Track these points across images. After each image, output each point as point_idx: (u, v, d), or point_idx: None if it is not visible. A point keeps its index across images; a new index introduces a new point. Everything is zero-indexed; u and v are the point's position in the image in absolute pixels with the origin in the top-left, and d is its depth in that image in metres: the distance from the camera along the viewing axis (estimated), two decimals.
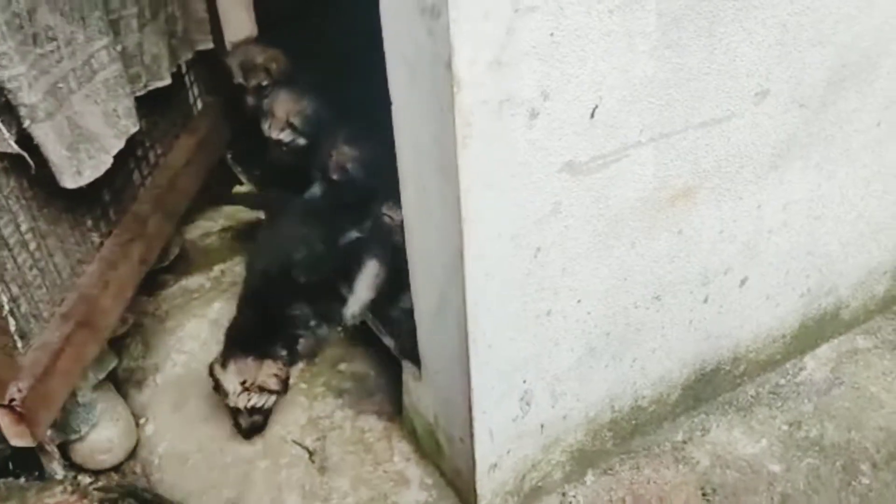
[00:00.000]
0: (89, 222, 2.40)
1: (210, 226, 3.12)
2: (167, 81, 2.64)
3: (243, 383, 2.34)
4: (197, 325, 2.86)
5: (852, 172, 2.22)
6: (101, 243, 2.44)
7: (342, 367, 2.66)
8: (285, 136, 2.76)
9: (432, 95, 1.52)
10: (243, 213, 3.15)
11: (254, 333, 2.43)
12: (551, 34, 1.50)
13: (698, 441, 2.40)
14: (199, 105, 3.13)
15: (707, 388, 2.42)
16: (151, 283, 2.98)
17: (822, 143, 2.08)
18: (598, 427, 2.24)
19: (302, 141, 2.76)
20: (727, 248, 2.11)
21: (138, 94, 2.51)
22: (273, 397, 2.39)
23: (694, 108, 1.79)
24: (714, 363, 2.37)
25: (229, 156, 3.21)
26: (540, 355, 1.96)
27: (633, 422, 2.31)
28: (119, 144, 2.27)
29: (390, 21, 1.56)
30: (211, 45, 2.93)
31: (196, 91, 3.11)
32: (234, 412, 2.40)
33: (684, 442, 2.39)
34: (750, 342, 2.41)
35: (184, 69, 3.00)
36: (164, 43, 2.62)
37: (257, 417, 2.40)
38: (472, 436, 1.98)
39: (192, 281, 3.04)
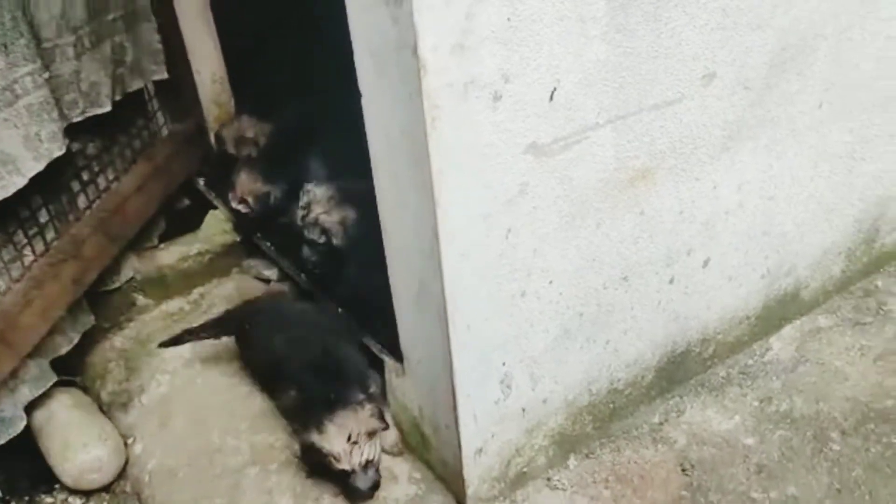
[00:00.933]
0: (22, 242, 2.51)
1: (186, 250, 3.17)
2: (106, 108, 2.75)
3: (349, 438, 2.18)
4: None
5: (800, 153, 2.34)
6: (35, 261, 2.54)
7: None
8: (242, 208, 3.05)
9: (400, 82, 1.62)
10: (219, 237, 3.21)
11: (324, 391, 2.29)
12: (508, 19, 1.61)
13: (674, 422, 2.48)
14: (165, 132, 3.22)
15: (679, 371, 2.51)
16: (130, 308, 3.05)
17: (770, 124, 2.20)
18: (577, 411, 2.31)
19: (253, 214, 3.06)
20: (688, 228, 2.21)
21: (75, 119, 2.64)
22: (378, 444, 2.24)
23: (646, 90, 1.91)
24: (684, 345, 2.46)
25: (202, 182, 3.28)
26: (517, 337, 2.04)
27: (611, 405, 2.39)
28: (38, 167, 2.38)
29: (355, 13, 1.66)
30: (165, 76, 3.04)
31: (161, 119, 3.20)
32: (347, 477, 2.20)
33: (661, 423, 2.47)
34: (717, 324, 2.51)
35: (147, 96, 3.11)
36: (106, 71, 2.73)
37: (373, 472, 2.21)
38: (456, 420, 2.05)
39: (172, 304, 3.09)
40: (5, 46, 2.25)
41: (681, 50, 1.91)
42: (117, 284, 3.04)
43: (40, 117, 2.38)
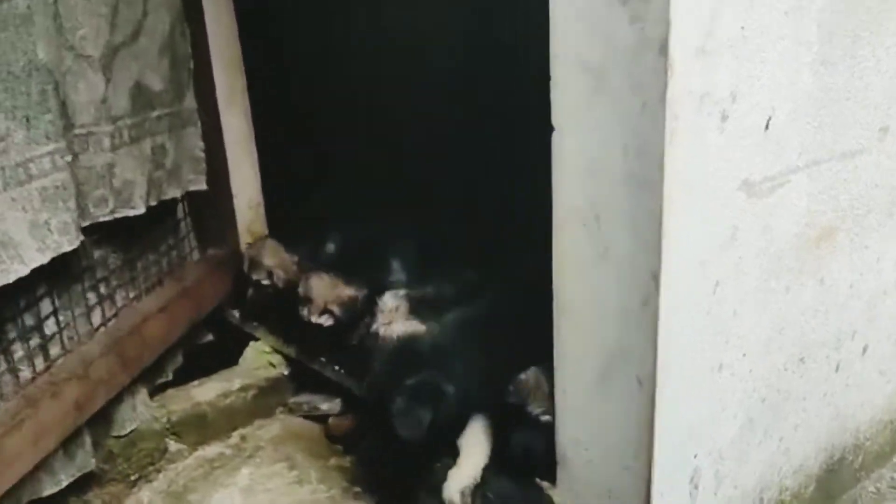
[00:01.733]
0: (19, 353, 2.15)
1: (227, 386, 2.74)
2: (139, 210, 2.44)
3: None
4: (226, 494, 2.45)
5: None
6: (33, 380, 2.16)
7: None
8: (324, 321, 2.62)
9: (631, 92, 1.43)
10: (262, 371, 2.82)
11: None
12: (742, 27, 1.47)
13: None
14: (196, 255, 2.91)
15: (835, 484, 2.23)
16: (161, 456, 2.58)
17: None
18: None
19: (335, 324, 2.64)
20: (855, 304, 2.02)
21: (102, 218, 2.32)
22: None
23: (837, 134, 1.77)
24: (840, 450, 2.20)
25: (237, 314, 2.92)
26: (709, 422, 1.75)
27: None
28: (42, 259, 2.05)
29: (565, 23, 1.49)
30: (204, 187, 2.73)
31: (193, 241, 2.90)
32: None
33: None
34: (867, 426, 2.27)
35: (180, 214, 2.83)
36: (143, 171, 2.45)
37: None
38: None
39: (210, 450, 2.64)
40: (27, 120, 1.98)
41: (866, 95, 1.80)
42: (134, 426, 2.57)
43: (54, 204, 2.07)
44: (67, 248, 2.13)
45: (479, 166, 2.52)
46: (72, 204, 2.14)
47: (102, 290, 2.47)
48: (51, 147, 2.05)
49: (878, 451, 2.35)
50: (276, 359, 2.83)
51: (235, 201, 3.00)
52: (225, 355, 2.91)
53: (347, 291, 2.55)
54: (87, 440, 2.36)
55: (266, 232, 3.13)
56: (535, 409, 1.93)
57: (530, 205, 1.93)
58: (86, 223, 2.25)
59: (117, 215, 2.38)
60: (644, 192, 1.46)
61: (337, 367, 2.61)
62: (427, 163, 2.64)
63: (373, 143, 2.89)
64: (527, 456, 1.89)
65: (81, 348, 2.34)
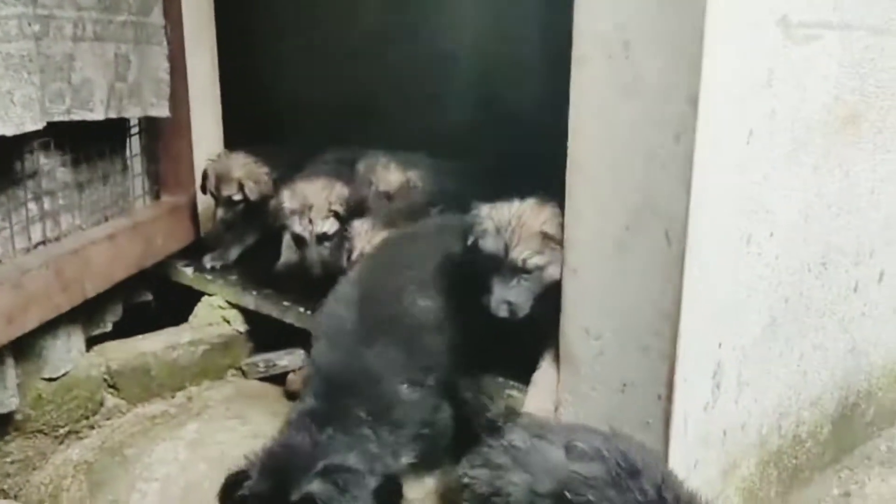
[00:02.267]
0: None
1: (174, 339, 2.42)
2: (98, 116, 2.23)
3: None
4: (170, 447, 2.14)
5: None
6: None
7: None
8: (329, 226, 2.27)
9: None
10: (216, 328, 2.51)
11: None
12: None
13: (859, 493, 1.97)
14: (146, 200, 2.66)
15: (848, 434, 2.04)
16: (96, 410, 2.28)
17: None
18: (766, 458, 1.77)
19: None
20: (875, 216, 1.88)
21: (58, 117, 2.11)
22: None
23: (871, 2, 1.65)
24: (854, 394, 2.03)
25: (190, 270, 2.62)
26: (735, 308, 1.57)
27: (794, 460, 1.86)
28: (3, 129, 1.87)
29: None
30: (166, 114, 2.52)
31: (145, 184, 2.66)
32: None
33: (847, 495, 1.94)
34: (880, 373, 2.10)
35: (129, 151, 2.58)
36: (103, 74, 2.25)
37: None
38: (667, 420, 1.47)
39: (152, 408, 2.33)
40: None
41: None
42: (68, 368, 2.26)
43: (18, 74, 1.89)
44: (31, 126, 1.94)
45: None
46: (36, 79, 1.95)
47: (46, 205, 2.21)
48: (19, 10, 1.89)
49: (891, 406, 2.18)
50: (232, 314, 2.54)
51: (196, 150, 2.74)
52: (171, 316, 2.60)
53: (347, 190, 2.25)
54: (11, 374, 2.07)
55: None
56: (520, 252, 1.60)
57: None
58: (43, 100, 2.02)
59: (74, 116, 2.17)
60: (686, 4, 1.30)
61: (303, 310, 2.31)
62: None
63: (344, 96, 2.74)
64: (513, 316, 1.61)
65: (16, 259, 2.08)
